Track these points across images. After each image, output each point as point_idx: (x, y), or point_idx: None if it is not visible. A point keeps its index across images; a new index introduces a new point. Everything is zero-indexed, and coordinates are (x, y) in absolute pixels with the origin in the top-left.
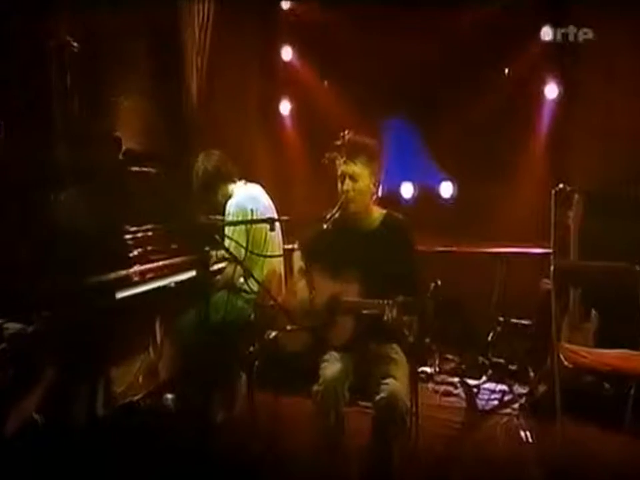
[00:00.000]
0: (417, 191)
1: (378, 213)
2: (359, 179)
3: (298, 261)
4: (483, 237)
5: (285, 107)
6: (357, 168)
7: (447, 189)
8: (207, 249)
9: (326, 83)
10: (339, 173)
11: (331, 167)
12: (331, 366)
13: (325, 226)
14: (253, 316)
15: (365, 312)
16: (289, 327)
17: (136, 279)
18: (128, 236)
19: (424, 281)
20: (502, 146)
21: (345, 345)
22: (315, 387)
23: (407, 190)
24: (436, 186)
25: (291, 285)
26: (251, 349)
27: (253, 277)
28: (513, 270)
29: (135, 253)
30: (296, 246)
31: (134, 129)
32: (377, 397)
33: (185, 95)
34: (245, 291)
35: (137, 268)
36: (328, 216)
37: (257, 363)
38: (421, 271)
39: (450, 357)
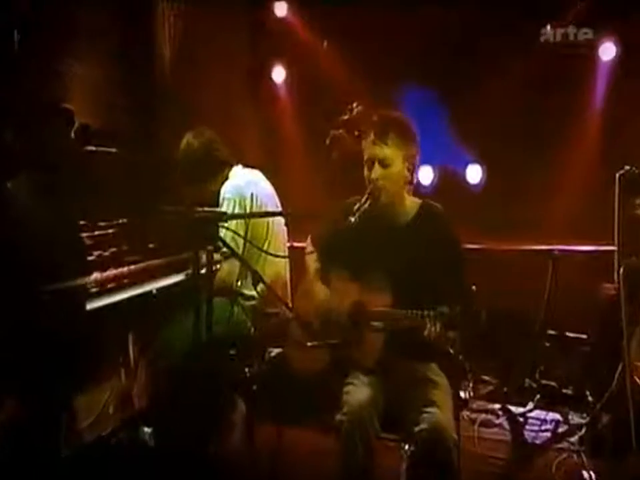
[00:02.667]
0: (437, 176)
1: (412, 202)
2: (392, 164)
3: (313, 261)
4: (522, 232)
5: (279, 74)
6: (389, 150)
7: (474, 174)
8: (209, 248)
9: (326, 43)
10: (366, 156)
11: (336, 147)
12: (358, 391)
13: (352, 219)
14: (252, 329)
15: (398, 324)
16: (309, 343)
17: (101, 287)
18: (90, 234)
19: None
20: (544, 120)
21: (374, 365)
22: (339, 417)
23: (425, 175)
24: (461, 170)
25: (304, 290)
26: (248, 370)
27: (261, 279)
28: (561, 272)
29: (101, 255)
30: (308, 244)
31: (90, 100)
32: (417, 429)
33: (155, 60)
34: (244, 296)
35: (101, 274)
36: (355, 207)
37: (255, 387)
38: (467, 274)
39: (486, 378)
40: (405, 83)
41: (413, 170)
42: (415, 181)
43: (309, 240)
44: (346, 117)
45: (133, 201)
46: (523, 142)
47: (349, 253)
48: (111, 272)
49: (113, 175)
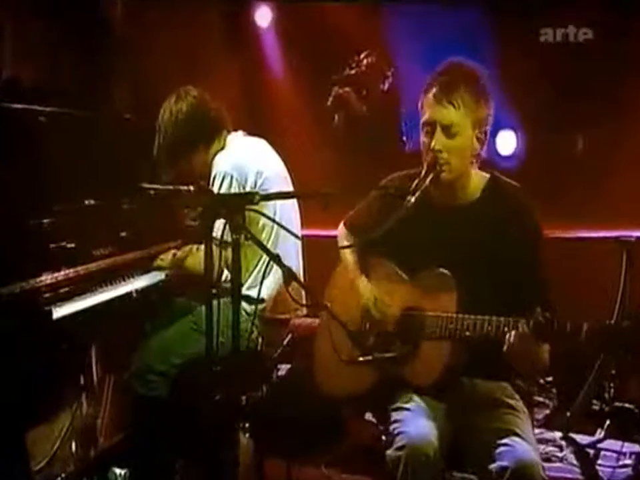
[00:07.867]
0: None
1: (478, 177)
2: (459, 132)
3: (349, 254)
4: (572, 216)
5: (264, 17)
6: (457, 114)
7: (507, 143)
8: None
9: None
10: (425, 118)
11: (341, 108)
12: (416, 419)
13: (411, 199)
14: (261, 341)
15: (467, 334)
16: (361, 358)
17: (58, 290)
18: (38, 221)
19: None
20: (603, 71)
21: (434, 385)
22: (392, 453)
23: None
24: (490, 137)
25: (337, 289)
26: (256, 393)
27: (295, 276)
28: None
29: (57, 249)
30: (342, 234)
31: (19, 48)
32: (495, 466)
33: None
34: (249, 299)
35: (57, 273)
36: (414, 184)
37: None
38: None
39: (541, 399)
40: (419, 25)
41: (484, 139)
42: (483, 151)
43: (342, 229)
44: (352, 72)
45: (93, 176)
46: (572, 100)
47: (403, 244)
48: (69, 270)
49: (57, 141)
